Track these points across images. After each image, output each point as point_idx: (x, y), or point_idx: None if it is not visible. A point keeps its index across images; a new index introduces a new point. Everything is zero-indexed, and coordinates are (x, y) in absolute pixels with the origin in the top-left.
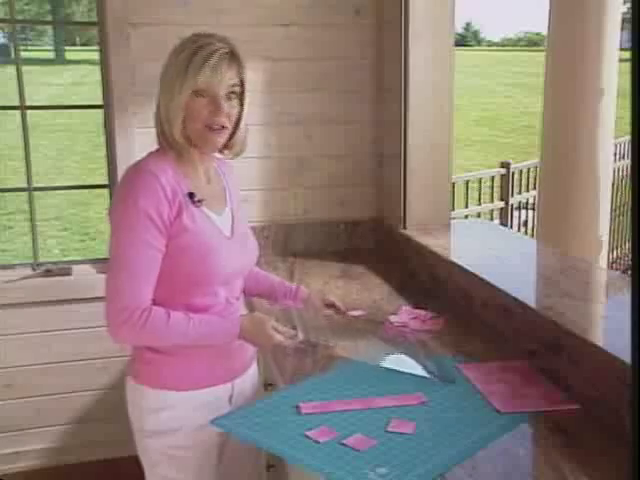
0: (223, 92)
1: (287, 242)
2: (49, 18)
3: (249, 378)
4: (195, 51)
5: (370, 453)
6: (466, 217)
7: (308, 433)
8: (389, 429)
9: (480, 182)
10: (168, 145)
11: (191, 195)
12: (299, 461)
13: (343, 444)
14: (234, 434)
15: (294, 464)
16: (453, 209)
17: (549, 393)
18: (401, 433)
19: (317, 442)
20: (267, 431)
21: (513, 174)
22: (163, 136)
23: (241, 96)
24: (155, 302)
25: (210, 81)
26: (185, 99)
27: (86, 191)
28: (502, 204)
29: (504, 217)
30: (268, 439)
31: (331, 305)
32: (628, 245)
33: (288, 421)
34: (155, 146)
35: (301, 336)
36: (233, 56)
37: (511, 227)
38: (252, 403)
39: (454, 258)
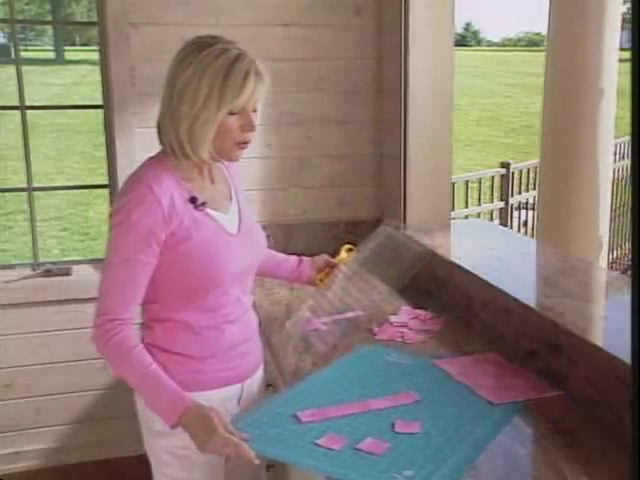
0: (252, 107)
1: (287, 242)
2: (49, 18)
3: (257, 379)
4: (229, 68)
5: (388, 456)
6: (466, 217)
7: (318, 442)
8: (396, 430)
9: (480, 182)
10: (183, 156)
11: (193, 200)
12: (323, 471)
13: (358, 449)
14: None
15: (318, 474)
16: (453, 209)
17: (532, 382)
18: (409, 433)
19: (331, 450)
20: (276, 443)
21: (513, 174)
22: (182, 151)
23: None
24: (168, 308)
25: (247, 101)
26: (220, 119)
27: (86, 191)
28: (502, 204)
29: (504, 217)
30: (280, 451)
31: (325, 267)
32: (628, 245)
33: (291, 430)
34: (156, 145)
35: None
36: (259, 72)
37: (511, 227)
38: (245, 416)
39: (454, 258)
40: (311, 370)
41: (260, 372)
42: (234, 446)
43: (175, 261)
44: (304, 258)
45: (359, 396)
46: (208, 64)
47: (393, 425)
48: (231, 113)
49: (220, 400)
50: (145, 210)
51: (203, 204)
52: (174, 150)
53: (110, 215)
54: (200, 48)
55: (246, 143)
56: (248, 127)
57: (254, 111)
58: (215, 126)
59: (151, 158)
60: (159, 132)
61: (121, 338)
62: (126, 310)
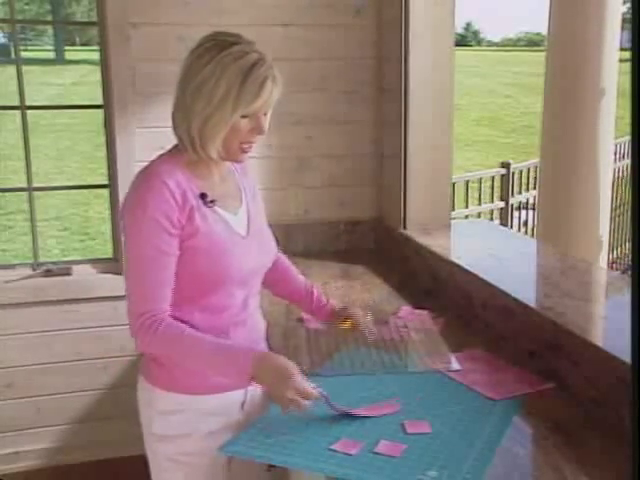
0: (264, 111)
1: (287, 242)
2: (49, 18)
3: None
4: (248, 72)
5: (407, 457)
6: (466, 217)
7: (333, 447)
8: (408, 431)
9: (480, 182)
10: (193, 151)
11: (203, 196)
12: (347, 476)
13: (376, 453)
14: (251, 458)
15: None
16: (453, 209)
17: (521, 376)
18: (421, 433)
19: (349, 454)
20: (291, 451)
21: (513, 174)
22: (192, 147)
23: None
24: (174, 304)
25: (261, 106)
26: (233, 121)
27: (86, 191)
28: (502, 204)
29: (504, 217)
30: (297, 459)
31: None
32: (628, 245)
33: (303, 437)
34: (156, 146)
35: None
36: (275, 77)
37: (511, 227)
38: (251, 424)
39: (454, 258)
40: (310, 368)
41: None
42: (308, 394)
43: (182, 258)
44: (332, 303)
45: (359, 399)
46: (227, 65)
47: (403, 426)
48: (243, 116)
49: (224, 404)
50: (160, 201)
51: (212, 201)
52: (185, 144)
53: (122, 211)
54: (220, 47)
55: (250, 144)
56: (258, 130)
57: (264, 114)
58: (227, 127)
59: (162, 155)
60: (173, 125)
61: (166, 325)
62: (162, 303)
